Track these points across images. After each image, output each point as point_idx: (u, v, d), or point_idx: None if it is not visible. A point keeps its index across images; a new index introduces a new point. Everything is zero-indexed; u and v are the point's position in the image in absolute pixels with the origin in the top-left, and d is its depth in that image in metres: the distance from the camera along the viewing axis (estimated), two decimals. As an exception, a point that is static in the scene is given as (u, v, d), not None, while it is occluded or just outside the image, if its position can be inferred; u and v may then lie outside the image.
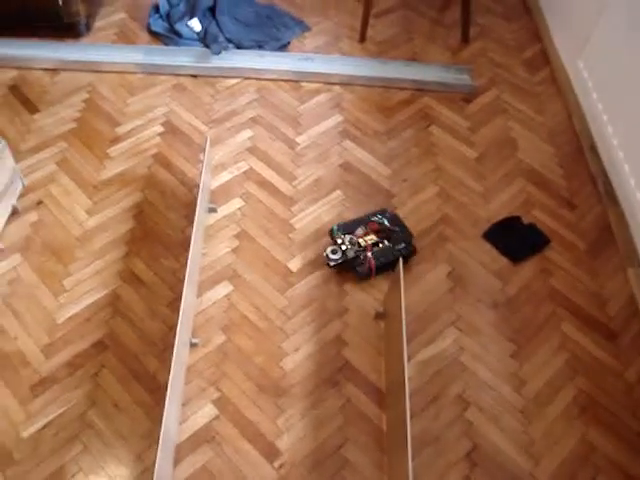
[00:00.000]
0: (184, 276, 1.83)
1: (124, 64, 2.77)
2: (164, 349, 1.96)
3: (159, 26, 2.92)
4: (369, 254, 2.13)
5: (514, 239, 2.29)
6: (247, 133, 2.55)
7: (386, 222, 2.23)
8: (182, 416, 1.85)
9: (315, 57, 2.80)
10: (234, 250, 2.19)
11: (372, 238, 2.17)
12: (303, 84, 2.75)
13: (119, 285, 2.11)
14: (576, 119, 2.67)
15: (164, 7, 2.97)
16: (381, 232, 2.20)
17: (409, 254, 2.18)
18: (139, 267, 2.14)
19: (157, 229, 2.24)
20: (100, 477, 1.76)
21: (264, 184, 2.38)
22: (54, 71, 2.80)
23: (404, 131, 2.60)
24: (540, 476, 1.82)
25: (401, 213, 2.31)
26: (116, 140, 2.53)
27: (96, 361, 1.95)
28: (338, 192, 2.37)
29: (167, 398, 1.62)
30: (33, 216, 2.29)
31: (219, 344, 1.98)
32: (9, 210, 2.27)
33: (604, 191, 2.41)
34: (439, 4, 3.19)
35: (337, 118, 2.63)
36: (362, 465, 1.80)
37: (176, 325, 1.73)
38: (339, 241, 2.15)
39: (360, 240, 2.16)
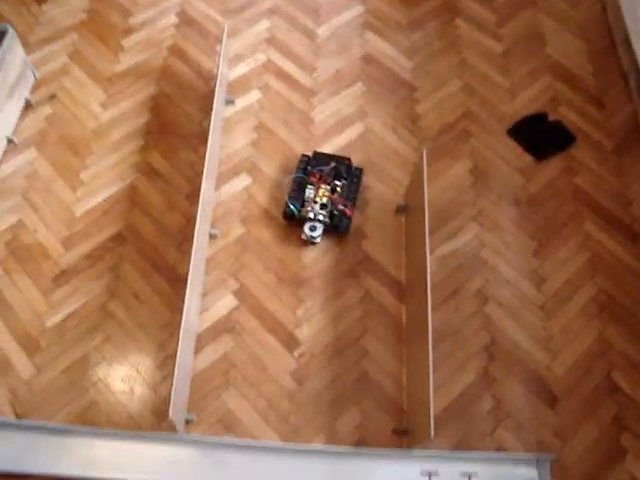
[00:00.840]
0: (202, 168, 1.79)
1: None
2: (183, 241, 1.95)
3: None
4: (340, 206, 1.94)
5: (539, 136, 2.22)
6: (265, 24, 2.45)
7: (317, 167, 2.01)
8: (202, 306, 1.86)
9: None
10: (252, 142, 2.14)
11: (325, 188, 1.97)
12: (322, -27, 2.63)
13: (136, 178, 2.08)
14: (610, 11, 2.54)
15: None
16: (325, 177, 1.99)
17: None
18: (156, 160, 2.11)
19: (174, 121, 2.19)
20: (123, 365, 1.79)
21: (283, 76, 2.31)
22: (62, -40, 2.68)
23: (428, 23, 2.49)
24: (557, 370, 1.83)
25: (423, 107, 2.24)
26: (129, 31, 2.44)
27: (115, 253, 1.94)
28: (359, 85, 2.29)
29: (187, 288, 1.61)
30: (47, 109, 2.24)
31: (238, 236, 1.96)
32: (22, 104, 2.22)
33: (636, 88, 2.31)
34: None
35: (358, 9, 2.52)
36: (381, 356, 1.81)
37: (195, 217, 1.71)
38: (310, 215, 1.93)
39: (318, 199, 1.95)
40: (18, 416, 1.71)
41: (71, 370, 1.78)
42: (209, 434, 1.69)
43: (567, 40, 2.49)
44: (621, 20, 2.44)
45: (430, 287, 1.60)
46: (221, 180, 2.06)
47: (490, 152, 2.17)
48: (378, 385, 1.77)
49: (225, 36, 2.08)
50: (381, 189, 2.06)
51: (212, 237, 1.94)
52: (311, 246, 1.96)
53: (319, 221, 1.94)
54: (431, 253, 1.93)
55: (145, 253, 1.94)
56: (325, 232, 1.95)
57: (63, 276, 1.91)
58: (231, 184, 2.06)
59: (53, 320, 1.84)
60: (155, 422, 1.71)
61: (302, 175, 2.00)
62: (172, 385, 1.47)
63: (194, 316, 1.79)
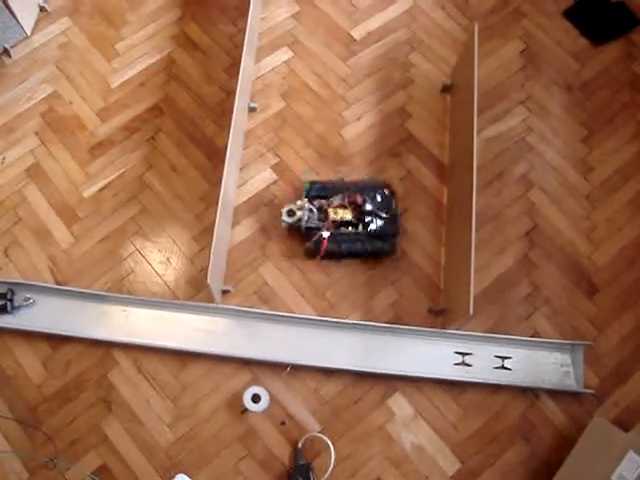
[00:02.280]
0: (242, 40, 1.72)
1: None
2: (221, 114, 1.90)
3: None
4: (325, 234, 1.68)
5: (598, 18, 2.09)
6: None
7: (372, 204, 1.71)
8: (240, 180, 1.83)
9: None
10: (294, 15, 2.05)
11: (345, 214, 1.70)
12: None
13: (173, 49, 2.01)
14: None
15: None
16: (360, 211, 1.71)
17: (383, 253, 1.73)
18: (194, 31, 2.03)
19: (212, -9, 2.10)
20: (160, 236, 1.79)
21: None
22: None
23: None
24: (598, 260, 1.79)
25: (474, -17, 2.12)
26: None
27: (152, 125, 1.91)
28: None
29: (226, 160, 1.58)
30: (78, -21, 2.15)
31: (278, 110, 1.91)
32: (55, -30, 2.14)
33: None
34: None
35: None
36: (420, 234, 1.79)
37: (235, 90, 1.65)
38: (297, 205, 1.69)
39: (331, 211, 1.69)
40: (58, 283, 1.73)
41: (108, 240, 1.78)
42: (245, 305, 1.69)
43: None
44: None
45: (476, 169, 1.55)
46: (261, 53, 1.99)
47: (543, 34, 2.06)
48: (416, 264, 1.75)
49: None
50: (427, 68, 1.97)
51: (251, 110, 1.89)
52: (355, 122, 1.89)
53: (299, 218, 1.69)
54: (477, 135, 1.86)
55: (182, 125, 1.90)
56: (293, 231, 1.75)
57: (99, 147, 1.89)
58: (272, 57, 1.98)
59: (90, 191, 1.84)
60: (192, 293, 1.72)
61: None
62: (210, 254, 1.46)
63: (232, 189, 1.76)
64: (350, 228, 1.70)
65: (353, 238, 1.69)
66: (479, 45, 1.72)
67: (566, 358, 1.68)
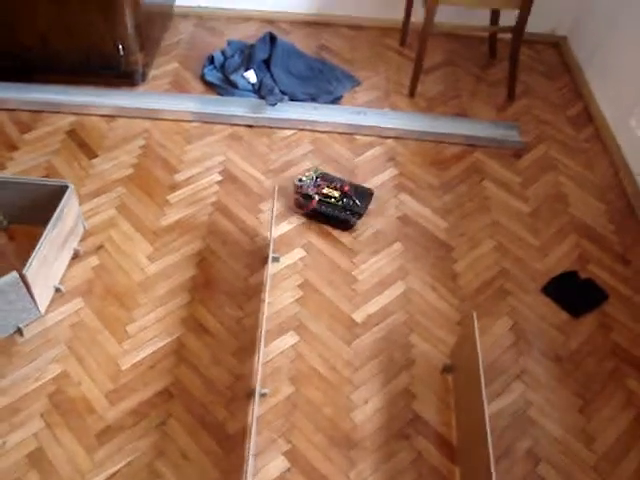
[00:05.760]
0: (249, 325, 1.83)
1: (179, 112, 2.83)
2: (232, 398, 1.94)
3: (214, 76, 2.98)
4: (316, 197, 2.41)
5: (572, 294, 2.29)
6: (306, 185, 2.59)
7: (354, 193, 2.47)
8: (254, 468, 1.82)
9: (367, 111, 2.86)
10: (298, 300, 2.19)
11: (334, 192, 2.44)
12: (357, 137, 2.80)
13: (183, 333, 2.10)
14: (624, 176, 2.70)
15: (219, 59, 3.04)
16: (345, 195, 2.44)
17: (348, 224, 2.42)
18: (203, 315, 2.14)
19: (220, 277, 2.25)
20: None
21: (325, 235, 2.40)
22: (111, 117, 2.85)
23: (458, 185, 2.63)
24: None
25: (460, 266, 2.33)
26: (175, 187, 2.55)
27: (162, 409, 1.93)
28: (398, 244, 2.38)
29: (250, 452, 1.60)
30: (94, 260, 2.30)
31: (288, 395, 1.96)
32: (71, 253, 2.28)
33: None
34: (482, 62, 3.26)
35: (392, 171, 2.66)
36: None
37: (249, 374, 1.72)
38: (306, 176, 2.48)
39: (324, 187, 2.45)
40: None
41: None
42: None
43: (588, 201, 2.63)
44: (635, 185, 2.60)
45: (492, 451, 1.60)
46: (269, 337, 2.09)
47: (528, 310, 2.23)
48: None
49: (276, 194, 2.19)
50: (426, 348, 2.09)
51: (262, 396, 1.94)
52: (363, 405, 1.95)
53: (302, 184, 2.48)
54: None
55: (193, 410, 1.92)
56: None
57: (108, 432, 1.88)
58: (279, 341, 2.08)
59: (96, 480, 1.80)
60: None
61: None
62: None
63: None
64: (332, 200, 2.42)
65: (332, 206, 2.42)
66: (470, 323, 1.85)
67: None
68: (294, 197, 2.48)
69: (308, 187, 2.44)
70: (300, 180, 2.47)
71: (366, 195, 2.49)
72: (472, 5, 2.85)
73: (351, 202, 2.43)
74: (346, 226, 2.42)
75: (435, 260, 2.34)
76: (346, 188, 2.46)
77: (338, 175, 2.58)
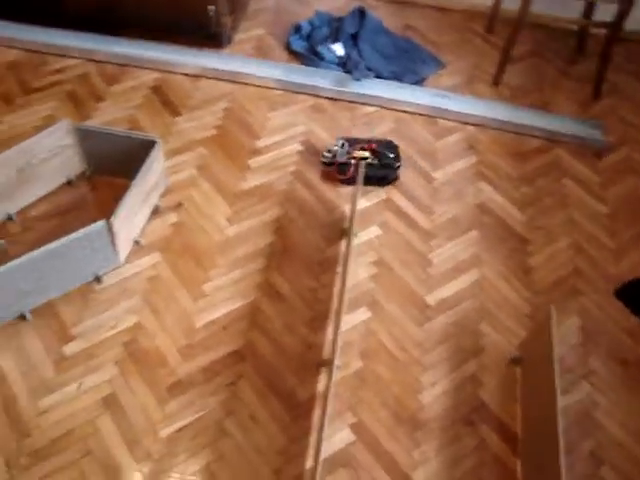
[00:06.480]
0: (323, 296, 1.85)
1: (264, 78, 2.84)
2: (302, 367, 1.98)
3: (299, 46, 2.98)
4: (352, 162, 2.43)
5: (646, 302, 2.28)
6: (385, 162, 2.59)
7: (381, 147, 2.51)
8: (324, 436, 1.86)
9: (451, 95, 2.83)
10: (373, 277, 2.21)
11: (364, 154, 2.45)
12: (439, 120, 2.78)
13: (257, 297, 2.14)
14: None
15: (306, 28, 3.04)
16: (375, 152, 2.48)
17: (389, 179, 2.49)
18: (278, 281, 2.17)
19: (296, 246, 2.27)
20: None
21: (402, 214, 2.41)
22: (195, 77, 2.88)
23: (537, 179, 2.60)
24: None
25: (535, 261, 2.32)
26: (256, 152, 2.58)
27: (233, 370, 1.97)
28: (474, 232, 2.38)
29: (325, 424, 1.62)
30: (173, 217, 2.34)
31: (357, 369, 1.99)
32: (151, 208, 2.32)
33: None
34: (569, 56, 3.20)
35: (472, 159, 2.65)
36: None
37: (320, 345, 1.74)
38: (335, 147, 2.48)
39: (355, 152, 2.45)
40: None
41: (179, 488, 1.77)
42: None
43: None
44: None
45: (563, 452, 1.60)
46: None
47: (598, 311, 2.21)
48: None
49: (362, 171, 2.20)
50: (495, 338, 2.10)
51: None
52: (430, 388, 1.97)
53: (334, 154, 2.50)
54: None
55: (263, 374, 1.96)
56: (329, 166, 2.52)
57: (179, 386, 1.93)
58: (351, 316, 2.10)
59: (167, 431, 1.85)
60: None
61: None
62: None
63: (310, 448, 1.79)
64: (368, 160, 2.44)
65: (368, 167, 2.42)
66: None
67: None
68: (322, 170, 2.53)
69: (342, 156, 2.45)
70: (329, 151, 2.48)
71: (392, 146, 2.53)
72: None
73: (384, 157, 2.47)
74: (386, 182, 2.49)
75: (510, 252, 2.33)
76: (373, 146, 2.48)
77: (322, 141, 2.65)
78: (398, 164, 2.49)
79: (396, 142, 2.58)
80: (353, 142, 2.50)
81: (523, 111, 2.82)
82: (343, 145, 2.48)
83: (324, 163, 2.49)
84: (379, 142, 2.53)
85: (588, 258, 2.36)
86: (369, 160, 2.43)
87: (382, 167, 2.46)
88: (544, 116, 2.82)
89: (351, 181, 2.43)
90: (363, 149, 2.46)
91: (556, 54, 3.21)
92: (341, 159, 2.44)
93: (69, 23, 2.97)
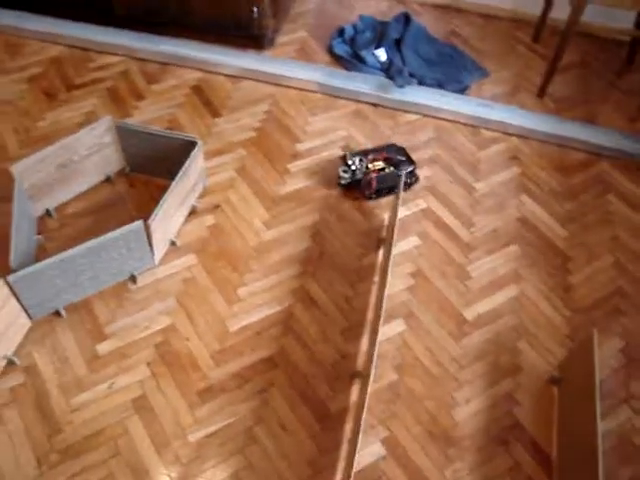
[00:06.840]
0: (359, 305, 1.82)
1: (305, 81, 2.82)
2: (336, 377, 1.95)
3: (342, 50, 2.95)
4: (373, 175, 2.36)
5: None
6: (426, 171, 2.54)
7: (391, 153, 2.48)
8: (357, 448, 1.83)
9: (494, 105, 2.78)
10: (409, 288, 2.17)
11: (379, 164, 2.41)
12: (482, 130, 2.73)
13: (292, 304, 2.11)
14: None
15: (349, 32, 3.02)
16: (388, 160, 2.44)
17: (411, 184, 2.47)
18: (314, 288, 2.15)
19: (333, 253, 2.25)
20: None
21: (441, 225, 2.37)
22: (236, 78, 2.87)
23: (581, 194, 2.54)
24: None
25: (576, 279, 2.26)
26: (296, 156, 2.56)
27: (265, 377, 1.95)
28: (515, 247, 2.33)
29: (359, 437, 1.59)
30: (210, 219, 2.33)
31: (391, 382, 1.96)
32: (189, 209, 2.32)
33: None
34: (618, 67, 3.12)
35: (515, 170, 2.60)
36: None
37: (355, 355, 1.72)
38: (350, 163, 2.40)
39: (369, 164, 2.41)
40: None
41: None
42: None
43: None
44: None
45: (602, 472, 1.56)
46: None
47: (642, 329, 2.15)
48: None
49: (402, 180, 2.17)
50: (533, 356, 2.05)
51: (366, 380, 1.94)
52: (464, 405, 1.93)
53: (353, 171, 2.43)
54: (583, 434, 1.88)
55: (295, 382, 1.94)
56: (350, 186, 2.45)
57: (210, 391, 1.92)
58: (387, 327, 2.07)
59: (196, 435, 1.84)
60: None
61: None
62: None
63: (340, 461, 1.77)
64: (385, 170, 2.41)
65: (389, 178, 2.40)
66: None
67: None
68: (339, 190, 2.47)
69: (361, 172, 2.40)
70: (344, 172, 2.40)
71: (399, 150, 2.50)
72: (626, 7, 2.70)
73: (398, 164, 2.44)
74: (408, 187, 2.47)
75: (551, 268, 2.27)
76: (384, 154, 2.45)
77: (363, 146, 2.60)
78: (413, 166, 2.45)
79: (431, 149, 2.58)
80: (363, 155, 2.46)
81: (568, 123, 2.76)
82: (361, 160, 2.43)
83: (342, 185, 2.43)
84: (384, 148, 2.50)
85: (632, 278, 2.30)
86: (387, 171, 2.41)
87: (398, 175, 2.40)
88: (590, 129, 2.76)
89: (378, 194, 2.41)
90: (376, 160, 2.44)
91: (604, 65, 3.14)
92: (361, 175, 2.40)
93: (115, 21, 2.98)
